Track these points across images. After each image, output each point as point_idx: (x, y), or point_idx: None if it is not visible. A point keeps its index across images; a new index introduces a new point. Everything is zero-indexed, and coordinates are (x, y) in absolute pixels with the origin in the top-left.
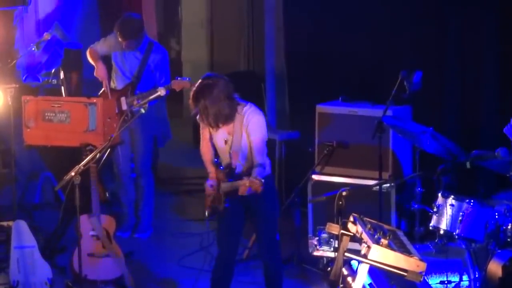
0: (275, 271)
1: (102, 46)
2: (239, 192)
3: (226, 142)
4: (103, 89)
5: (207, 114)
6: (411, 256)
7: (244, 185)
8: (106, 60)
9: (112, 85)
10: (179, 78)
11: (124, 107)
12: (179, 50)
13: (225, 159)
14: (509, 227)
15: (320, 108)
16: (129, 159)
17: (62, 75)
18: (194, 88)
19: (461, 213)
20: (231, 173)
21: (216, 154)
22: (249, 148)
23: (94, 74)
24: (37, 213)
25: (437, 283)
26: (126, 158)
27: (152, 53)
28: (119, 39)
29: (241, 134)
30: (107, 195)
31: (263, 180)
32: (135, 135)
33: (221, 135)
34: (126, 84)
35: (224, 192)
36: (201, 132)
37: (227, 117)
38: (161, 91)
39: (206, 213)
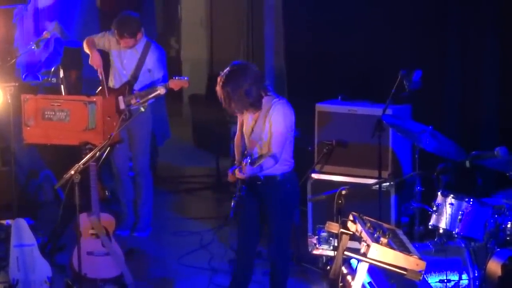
0: (281, 272)
1: (99, 39)
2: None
3: (251, 129)
4: (100, 87)
5: (230, 100)
6: (411, 255)
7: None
8: (104, 57)
9: (110, 83)
10: (177, 78)
11: (122, 106)
12: (179, 49)
13: (247, 146)
14: (508, 225)
15: (319, 107)
16: (128, 157)
17: (61, 73)
18: (221, 74)
19: (460, 212)
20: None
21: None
22: (269, 140)
23: (89, 62)
24: (37, 211)
25: (436, 282)
26: (125, 157)
27: (150, 52)
28: (117, 37)
29: (264, 123)
30: (107, 193)
31: (247, 168)
32: (133, 134)
33: (249, 122)
34: (123, 83)
35: (239, 179)
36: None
37: (252, 105)
38: (161, 90)
39: (232, 204)
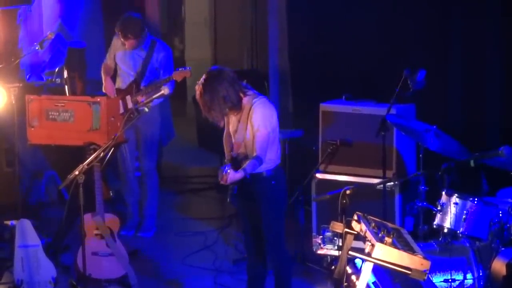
0: (282, 271)
1: (110, 55)
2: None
3: (235, 130)
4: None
5: (209, 108)
6: (415, 255)
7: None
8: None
9: (118, 85)
10: (180, 69)
11: (130, 105)
12: (183, 49)
13: (233, 147)
14: None
15: (323, 107)
16: (134, 158)
17: (65, 74)
18: (198, 83)
19: (465, 212)
20: (234, 162)
21: None
22: (252, 140)
23: (102, 89)
24: (41, 212)
25: (441, 282)
26: (131, 157)
27: (156, 51)
28: (121, 39)
29: (246, 125)
30: (111, 194)
31: (229, 176)
32: (140, 134)
33: (233, 123)
34: (130, 82)
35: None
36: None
37: (231, 108)
38: (165, 90)
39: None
